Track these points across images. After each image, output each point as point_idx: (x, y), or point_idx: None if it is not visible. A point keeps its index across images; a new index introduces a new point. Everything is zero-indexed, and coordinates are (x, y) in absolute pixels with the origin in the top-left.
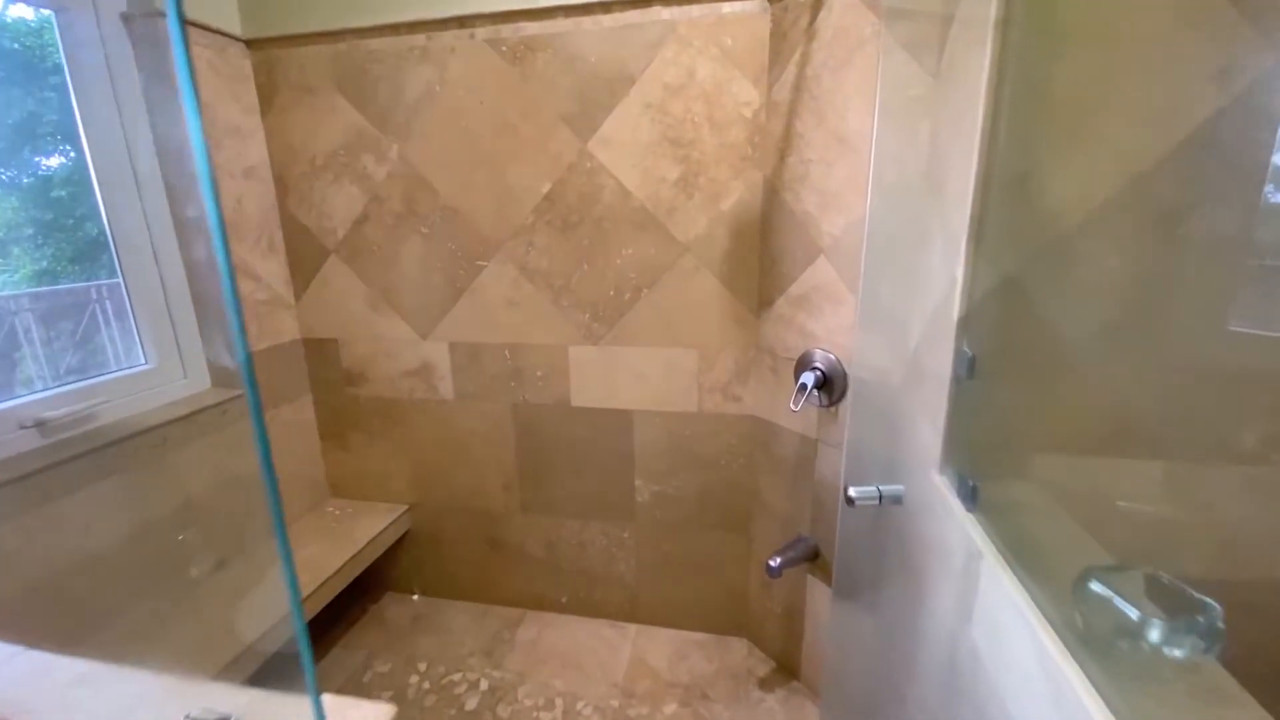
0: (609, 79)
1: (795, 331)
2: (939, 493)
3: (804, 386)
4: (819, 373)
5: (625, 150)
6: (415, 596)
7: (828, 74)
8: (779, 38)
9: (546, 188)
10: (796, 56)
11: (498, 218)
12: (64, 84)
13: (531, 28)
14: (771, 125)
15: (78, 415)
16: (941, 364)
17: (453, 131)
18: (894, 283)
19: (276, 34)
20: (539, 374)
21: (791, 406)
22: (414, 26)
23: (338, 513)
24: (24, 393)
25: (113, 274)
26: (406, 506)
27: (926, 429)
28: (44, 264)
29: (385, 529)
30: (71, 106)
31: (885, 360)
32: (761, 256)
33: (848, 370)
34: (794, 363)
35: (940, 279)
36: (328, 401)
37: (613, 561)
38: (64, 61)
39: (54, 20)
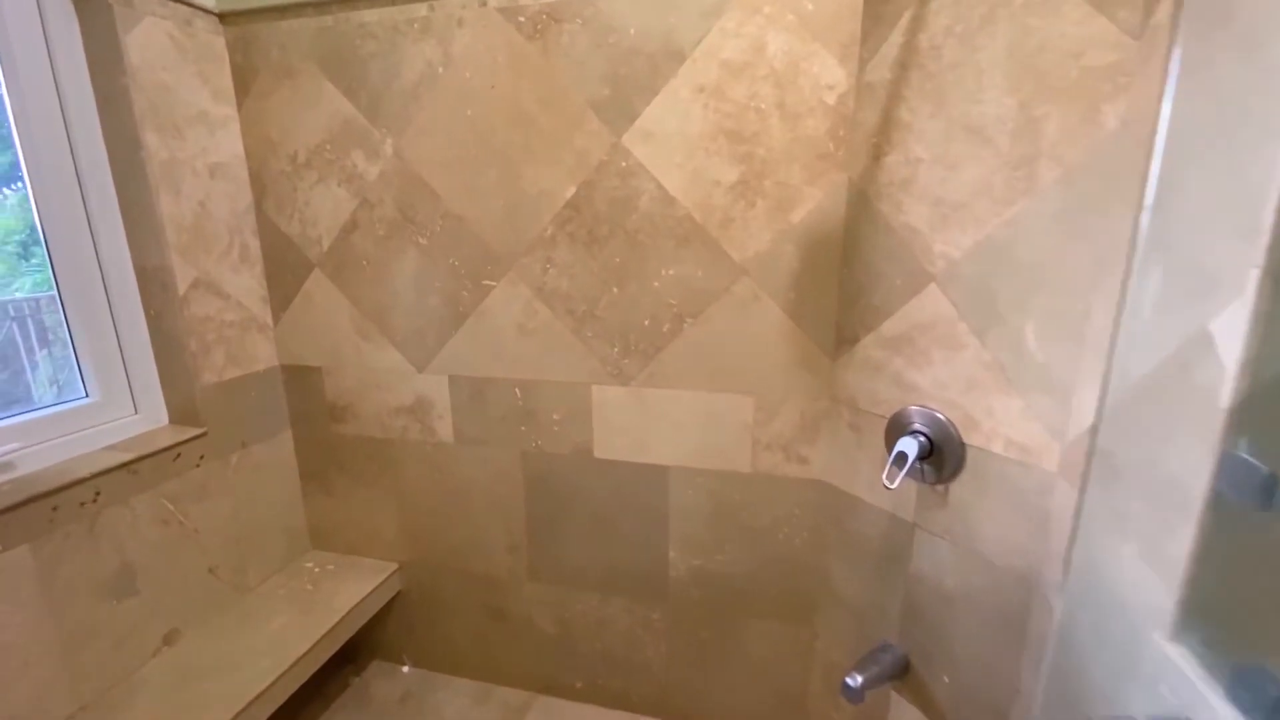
0: (652, 56)
1: (888, 381)
2: (1174, 669)
3: (903, 456)
4: (923, 439)
5: (669, 146)
6: (405, 668)
7: (954, 43)
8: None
9: (570, 192)
10: (904, 22)
11: (510, 228)
12: None
13: None
14: (863, 114)
15: None
16: (1181, 470)
17: (457, 122)
18: (1044, 322)
19: (255, 5)
20: (555, 417)
21: (885, 482)
22: None
23: (317, 569)
24: None
25: (44, 286)
26: (396, 565)
27: (1134, 564)
28: None
29: (370, 594)
30: None
31: (1038, 436)
32: (843, 283)
33: (965, 440)
34: (884, 422)
35: (1173, 332)
36: (309, 438)
37: (638, 645)
38: None
39: None
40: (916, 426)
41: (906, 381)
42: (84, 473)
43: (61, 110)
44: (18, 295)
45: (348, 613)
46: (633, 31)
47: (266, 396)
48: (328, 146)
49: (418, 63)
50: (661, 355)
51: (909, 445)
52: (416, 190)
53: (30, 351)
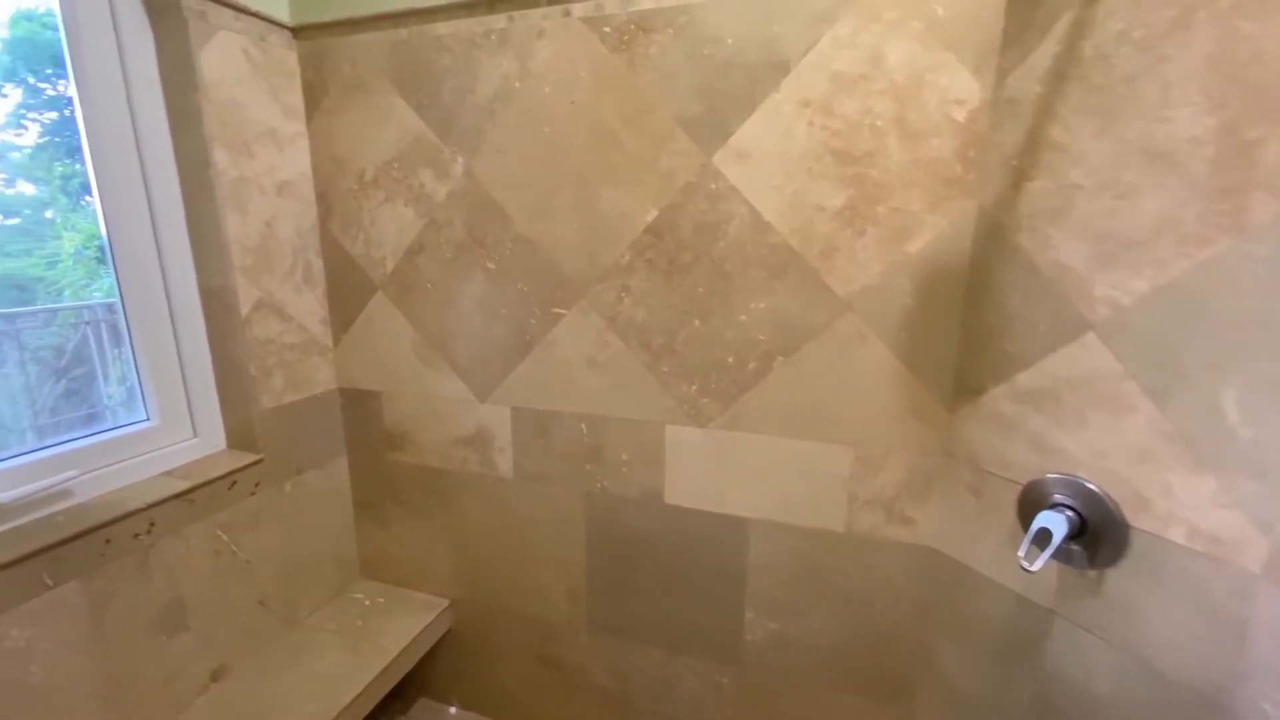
0: (751, 68)
1: (1023, 442)
2: None
3: (1046, 535)
4: (1071, 515)
5: (767, 166)
6: (452, 710)
7: (1130, 51)
8: (1027, 1)
9: (652, 216)
10: (1061, 28)
11: (584, 253)
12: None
13: (648, 0)
14: (1000, 133)
15: (49, 492)
16: None
17: (533, 141)
18: None
19: (329, 19)
20: (624, 457)
21: (1023, 562)
22: (494, 3)
23: (367, 602)
24: None
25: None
26: (448, 602)
27: None
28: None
29: (421, 633)
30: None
31: (1236, 527)
32: (967, 325)
33: (1131, 522)
34: (1016, 489)
35: None
36: (364, 466)
37: (704, 710)
38: (66, 47)
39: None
40: (1061, 499)
41: (1049, 445)
42: (139, 503)
43: (133, 126)
44: (96, 298)
45: (397, 655)
46: (730, 42)
47: (323, 421)
48: (396, 165)
49: (493, 77)
50: (746, 396)
51: (1054, 523)
52: (487, 211)
53: (103, 353)
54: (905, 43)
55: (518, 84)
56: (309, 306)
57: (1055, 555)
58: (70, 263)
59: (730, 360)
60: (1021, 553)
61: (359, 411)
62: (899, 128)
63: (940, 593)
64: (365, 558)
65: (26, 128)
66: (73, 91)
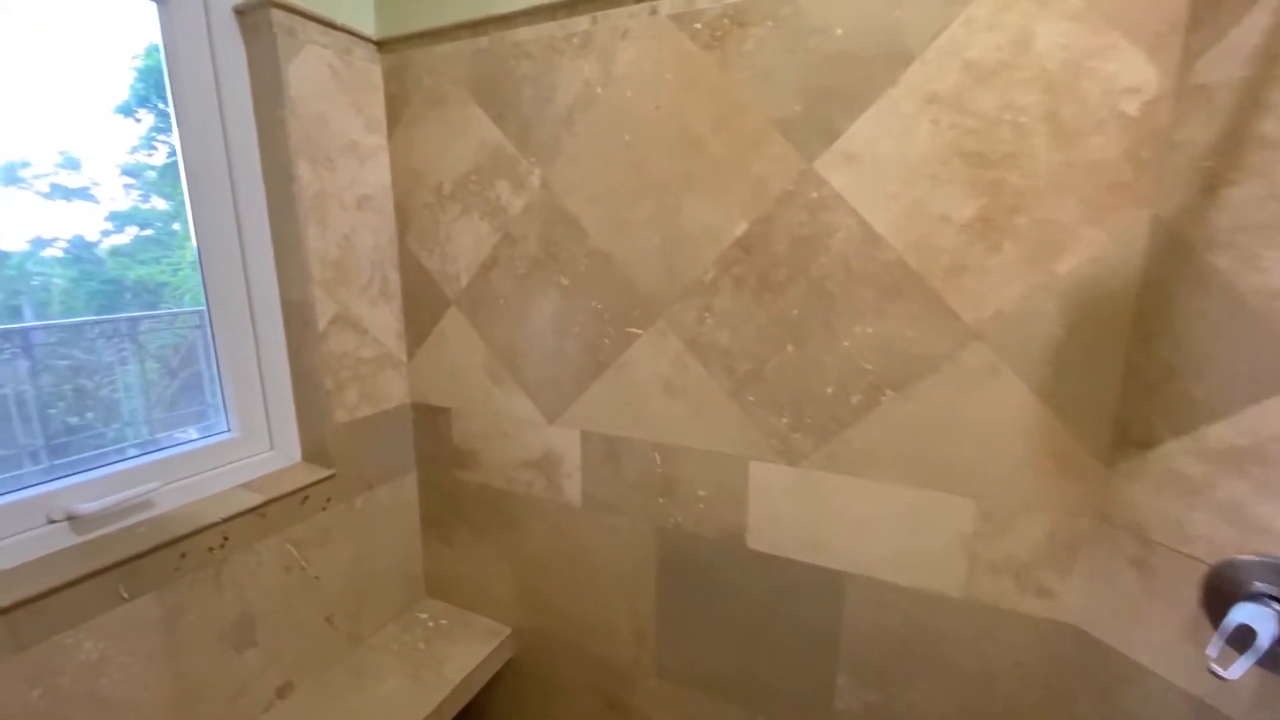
0: (865, 60)
1: (1215, 512)
2: None
3: (1247, 633)
4: None
5: (880, 172)
6: None
7: None
8: None
9: (741, 229)
10: None
11: (663, 269)
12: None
13: None
14: (1186, 129)
15: (131, 503)
16: None
17: (613, 149)
18: None
19: (412, 31)
20: (700, 493)
21: (1214, 666)
22: (576, 4)
23: (430, 623)
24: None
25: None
26: (510, 630)
27: None
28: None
29: (482, 663)
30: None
31: None
32: (1137, 362)
33: None
34: (1200, 569)
35: None
36: (433, 483)
37: None
38: (166, 63)
39: (156, 13)
40: (1265, 589)
41: (1251, 518)
42: (214, 517)
43: (224, 140)
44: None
45: (458, 685)
46: (840, 32)
47: (395, 436)
48: (473, 177)
49: (574, 83)
50: (847, 433)
51: (1261, 620)
52: (562, 225)
53: (209, 355)
54: (1060, 23)
55: (599, 89)
56: (385, 320)
57: (1261, 661)
58: (189, 270)
59: (829, 391)
60: (1213, 653)
61: (429, 427)
62: (1049, 124)
63: (1084, 682)
64: (431, 576)
65: (157, 148)
66: (170, 109)
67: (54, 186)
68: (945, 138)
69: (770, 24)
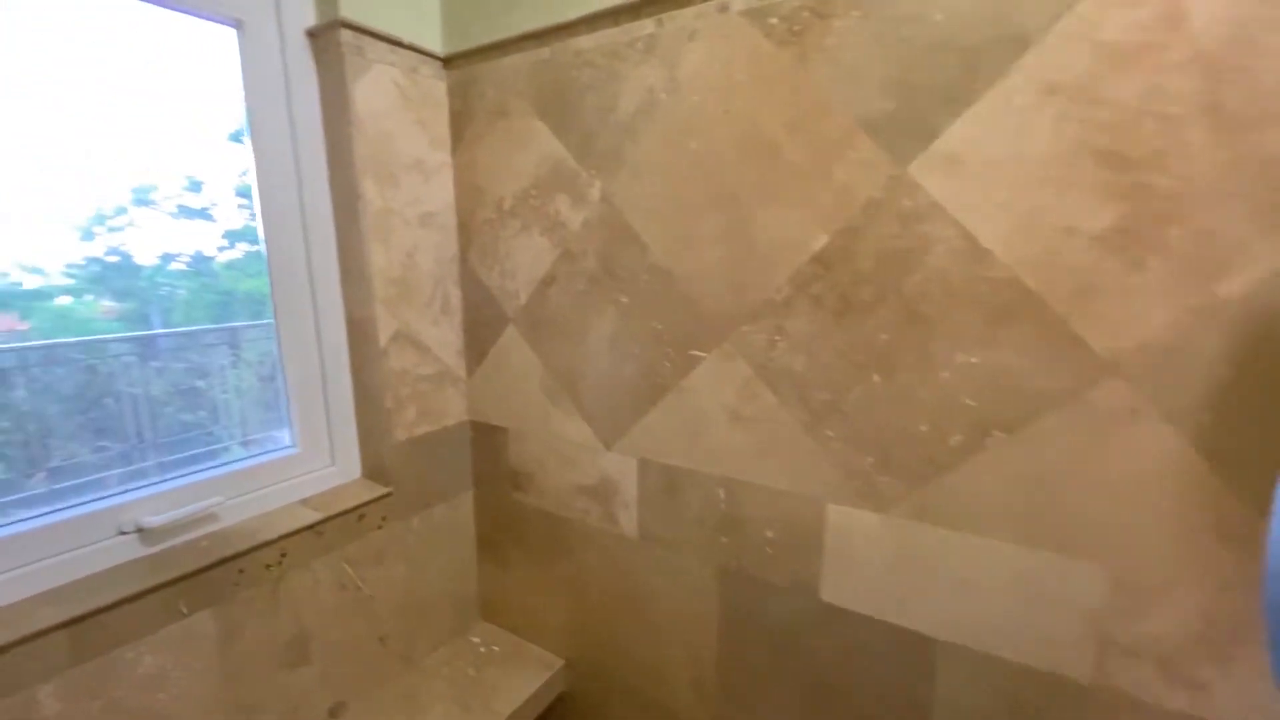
0: (970, 49)
1: None
2: None
3: None
4: None
5: (988, 176)
6: None
7: None
8: None
9: (820, 242)
10: None
11: (729, 287)
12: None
13: None
14: None
15: (196, 516)
16: None
17: (677, 158)
18: None
19: (477, 45)
20: (769, 535)
21: None
22: (640, 8)
23: (482, 648)
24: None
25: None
26: (563, 663)
27: None
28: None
29: (532, 696)
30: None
31: None
32: None
33: None
34: None
35: None
36: (489, 503)
37: None
38: (242, 89)
39: (236, 39)
40: None
41: None
42: (273, 534)
43: (295, 160)
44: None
45: (509, 716)
46: (940, 18)
47: (453, 454)
48: (534, 192)
49: (637, 90)
50: (945, 479)
51: None
52: (622, 240)
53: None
54: None
55: (663, 95)
56: (445, 338)
57: None
58: None
59: (923, 429)
60: None
61: (487, 447)
62: (1211, 116)
63: None
64: (485, 599)
65: None
66: (246, 130)
67: (180, 207)
68: (1071, 134)
69: (857, 14)
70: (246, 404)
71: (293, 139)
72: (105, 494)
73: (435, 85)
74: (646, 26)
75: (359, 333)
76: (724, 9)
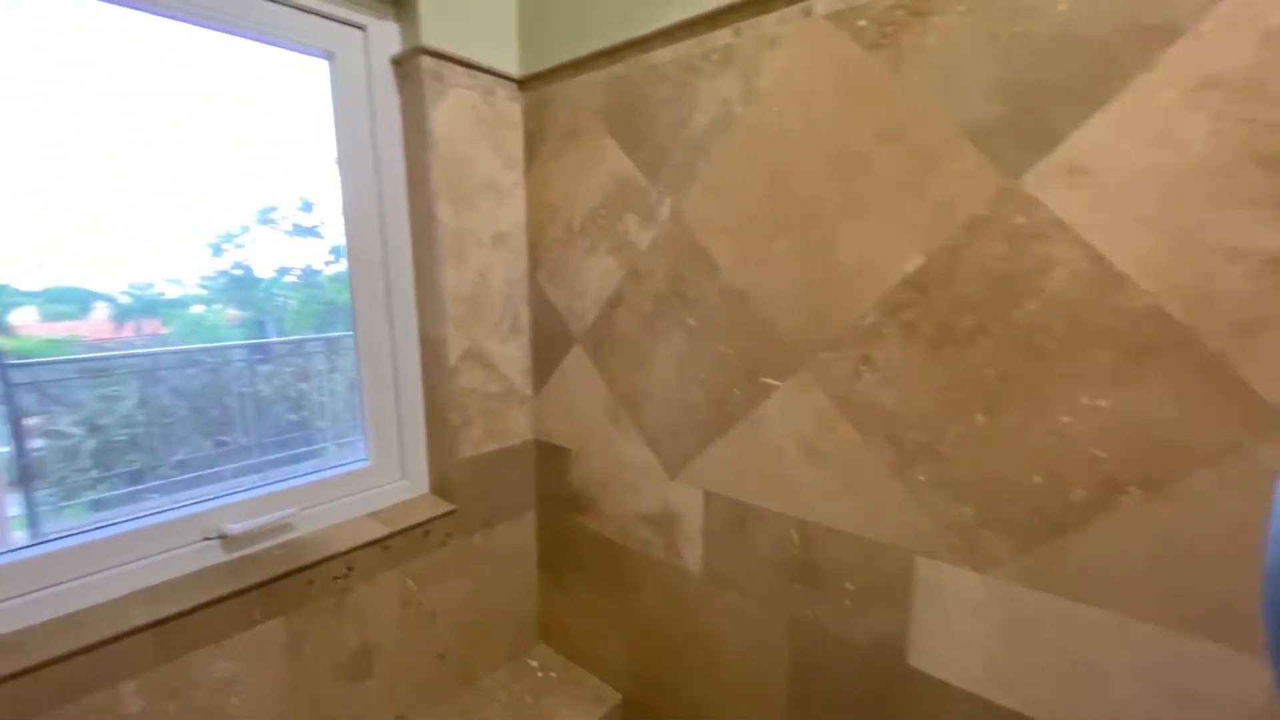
0: (1101, 40)
1: None
2: None
3: None
4: None
5: (1123, 188)
6: None
7: None
8: None
9: (914, 264)
10: None
11: (808, 311)
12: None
13: None
14: None
15: (273, 525)
16: None
17: (753, 174)
18: None
19: (552, 65)
20: (849, 586)
21: None
22: (717, 17)
23: (540, 673)
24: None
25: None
26: (620, 698)
27: None
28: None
29: None
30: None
31: None
32: None
33: None
34: None
35: None
36: (551, 524)
37: None
38: (333, 114)
39: (328, 69)
40: None
41: None
42: (342, 546)
43: (377, 183)
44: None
45: None
46: (1064, 8)
47: (517, 473)
48: (603, 211)
49: (712, 104)
50: (1064, 540)
51: None
52: (692, 260)
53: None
54: None
55: (739, 108)
56: (512, 356)
57: None
58: None
59: (1037, 481)
60: None
61: (550, 467)
62: None
63: None
64: (544, 621)
65: None
66: (335, 154)
67: (294, 226)
68: (1234, 137)
69: (961, 9)
70: (340, 408)
71: (375, 162)
72: (218, 486)
73: (510, 107)
74: (724, 36)
75: (431, 350)
76: (808, 13)
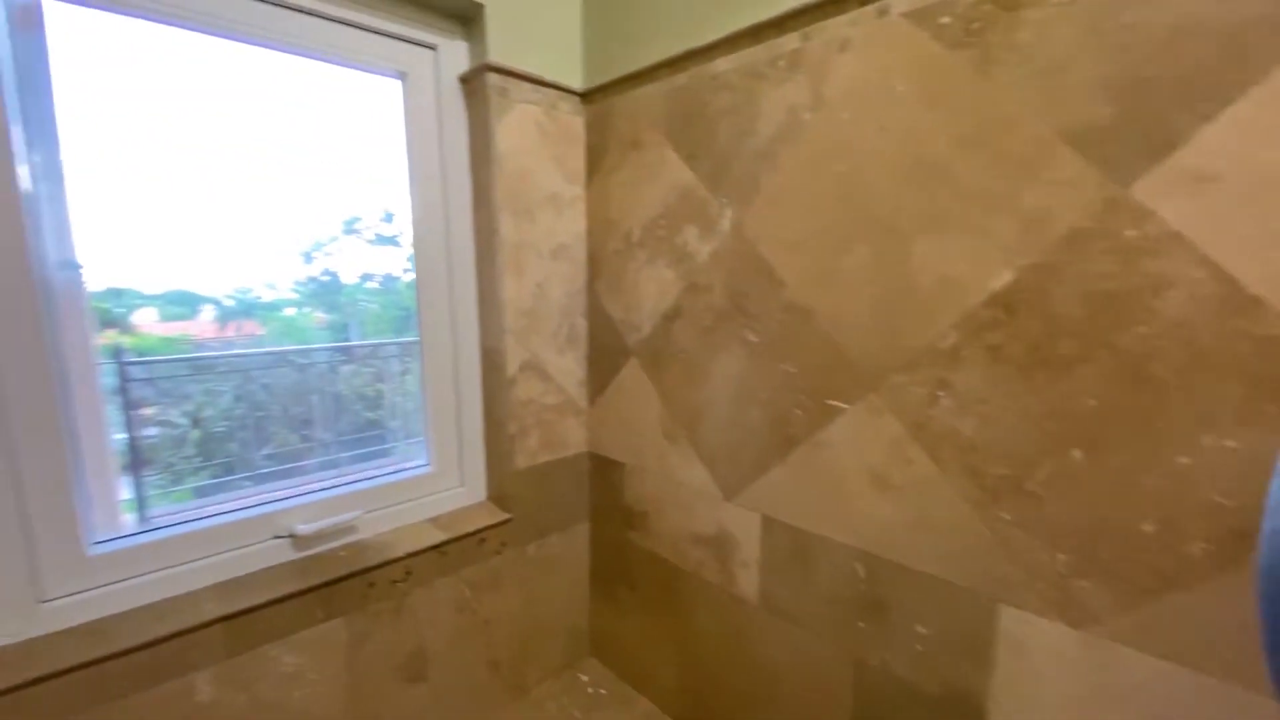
0: (1231, 30)
1: None
2: None
3: None
4: None
5: (1257, 198)
6: None
7: None
8: None
9: (1002, 281)
10: None
11: (879, 330)
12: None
13: None
14: None
15: (339, 526)
16: None
17: (820, 184)
18: None
19: (614, 77)
20: (921, 630)
21: None
22: (785, 22)
23: (590, 689)
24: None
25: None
26: None
27: None
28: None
29: None
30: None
31: None
32: None
33: None
34: None
35: None
36: (604, 538)
37: None
38: (404, 130)
39: (400, 87)
40: None
41: None
42: (402, 550)
43: (444, 197)
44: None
45: None
46: None
47: (571, 484)
48: (662, 222)
49: (777, 111)
50: (1179, 597)
51: None
52: (754, 273)
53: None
54: None
55: (807, 115)
56: (569, 368)
57: None
58: None
59: (1147, 529)
60: None
61: (603, 480)
62: None
63: None
64: (595, 634)
65: None
66: (406, 169)
67: (376, 235)
68: None
69: (1059, 1)
70: (411, 408)
71: (442, 177)
72: (299, 480)
73: (573, 120)
74: (791, 42)
75: (490, 361)
76: (883, 13)
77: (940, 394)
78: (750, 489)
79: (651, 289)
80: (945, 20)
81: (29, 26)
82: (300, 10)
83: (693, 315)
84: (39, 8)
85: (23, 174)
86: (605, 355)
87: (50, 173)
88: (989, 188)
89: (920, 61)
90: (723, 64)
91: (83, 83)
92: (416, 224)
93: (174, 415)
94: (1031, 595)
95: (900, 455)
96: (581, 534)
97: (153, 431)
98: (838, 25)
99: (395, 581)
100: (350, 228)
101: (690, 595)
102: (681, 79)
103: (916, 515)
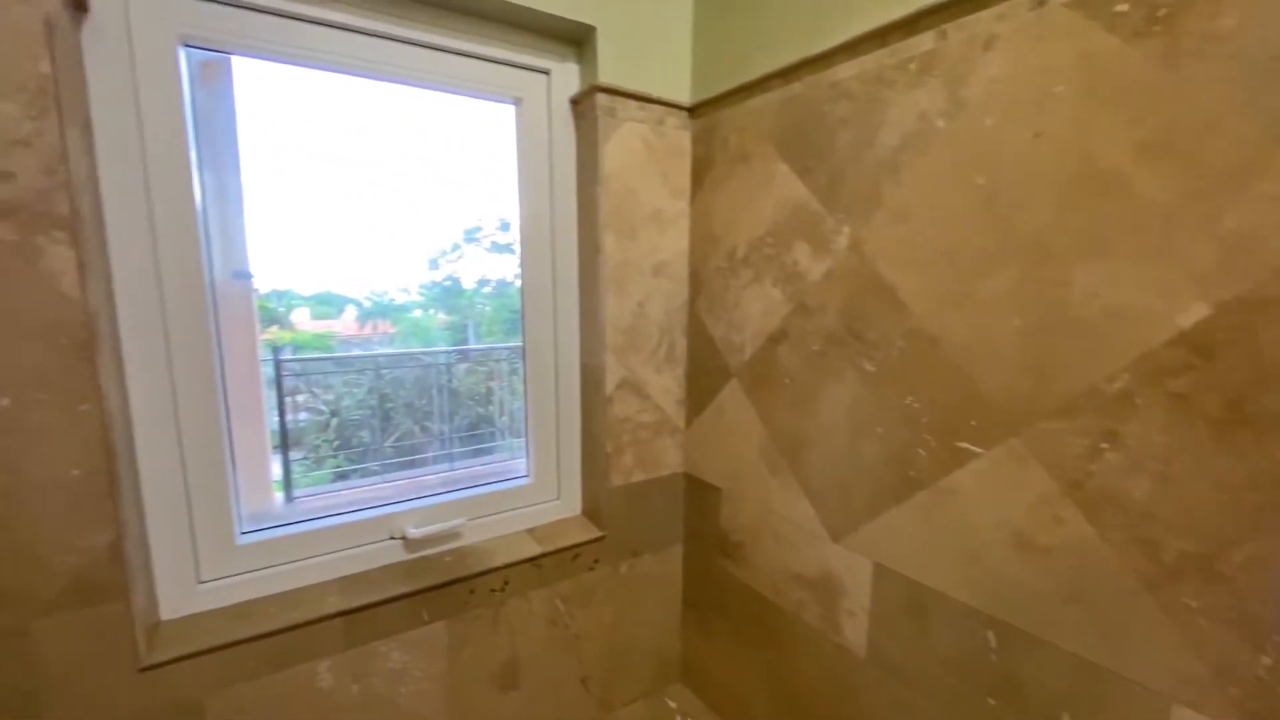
0: None
1: None
2: None
3: None
4: None
5: None
6: None
7: None
8: None
9: (1194, 317)
10: None
11: (1026, 366)
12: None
13: None
14: None
15: (446, 532)
16: None
17: (955, 197)
18: None
19: (722, 90)
20: (1065, 718)
21: None
22: (918, 21)
23: (678, 717)
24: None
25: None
26: None
27: None
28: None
29: None
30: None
31: None
32: None
33: None
34: None
35: None
36: (697, 563)
37: None
38: (515, 151)
39: (514, 112)
40: None
41: None
42: (501, 560)
43: (551, 216)
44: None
45: None
46: None
47: (665, 505)
48: (769, 239)
49: (905, 119)
50: None
51: None
52: (872, 296)
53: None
54: None
55: (940, 122)
56: (667, 386)
57: None
58: None
59: None
60: None
61: (699, 503)
62: None
63: None
64: (686, 661)
65: None
66: (516, 189)
67: (493, 243)
68: None
69: None
70: (517, 407)
71: (550, 196)
72: (419, 470)
73: (680, 135)
74: (924, 42)
75: (589, 377)
76: (1040, 3)
77: (1104, 446)
78: (861, 531)
79: (756, 308)
80: (1122, 8)
81: (215, 79)
82: (431, 47)
83: (800, 338)
84: (228, 63)
85: (198, 196)
86: (705, 375)
87: (231, 197)
88: (1176, 203)
89: (1088, 57)
90: (842, 70)
91: (255, 119)
92: (524, 241)
93: (319, 404)
94: (1219, 700)
95: (1049, 513)
96: (675, 556)
97: (302, 416)
98: (982, 21)
99: (493, 590)
100: (471, 236)
101: (788, 635)
102: (796, 88)
103: (1068, 585)
